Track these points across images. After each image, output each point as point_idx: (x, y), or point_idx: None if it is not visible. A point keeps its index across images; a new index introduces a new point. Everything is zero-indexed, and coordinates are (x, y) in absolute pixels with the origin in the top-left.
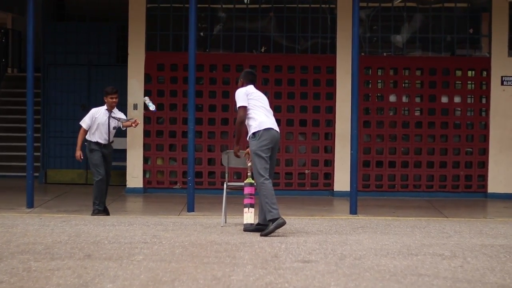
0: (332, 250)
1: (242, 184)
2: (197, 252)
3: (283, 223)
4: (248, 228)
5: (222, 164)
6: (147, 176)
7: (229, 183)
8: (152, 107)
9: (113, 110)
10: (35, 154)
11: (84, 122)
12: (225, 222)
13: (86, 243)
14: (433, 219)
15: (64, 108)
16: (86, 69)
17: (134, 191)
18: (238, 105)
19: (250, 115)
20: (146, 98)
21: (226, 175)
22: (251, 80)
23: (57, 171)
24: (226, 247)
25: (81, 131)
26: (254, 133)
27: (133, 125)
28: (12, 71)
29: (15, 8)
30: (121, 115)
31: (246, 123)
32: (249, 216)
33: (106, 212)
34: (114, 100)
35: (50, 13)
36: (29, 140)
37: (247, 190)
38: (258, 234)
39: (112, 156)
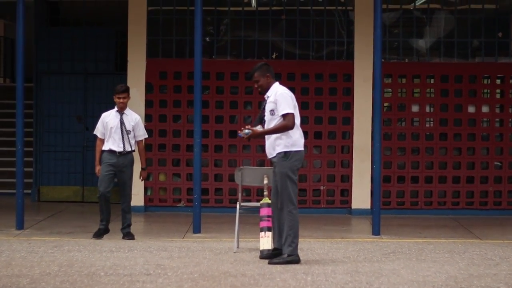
0: (367, 284)
1: (258, 204)
2: (209, 287)
3: (297, 262)
4: (266, 255)
5: (230, 181)
6: (149, 193)
7: (242, 203)
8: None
9: (125, 112)
10: (28, 169)
11: (97, 131)
12: (238, 247)
13: (79, 276)
14: (469, 241)
15: (59, 120)
16: (82, 78)
17: (134, 209)
18: (285, 111)
19: None
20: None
21: (240, 194)
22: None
23: (51, 188)
24: (242, 281)
25: (97, 142)
26: (286, 153)
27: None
28: (4, 81)
29: (7, 15)
30: (134, 117)
31: (274, 134)
32: (266, 241)
33: (129, 236)
34: (121, 100)
35: (43, 18)
36: (18, 155)
37: (263, 212)
38: None
39: (130, 170)
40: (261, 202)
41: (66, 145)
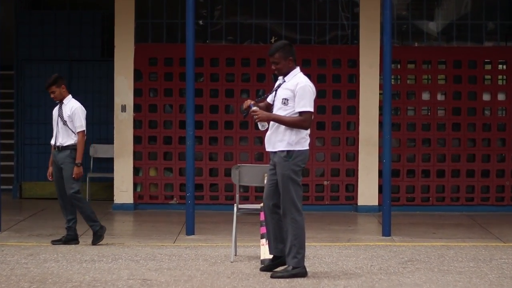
0: None
1: (258, 207)
2: None
3: (303, 275)
4: (267, 267)
5: (226, 176)
6: (138, 189)
7: (240, 206)
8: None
9: (63, 101)
10: (9, 164)
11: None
12: (235, 255)
13: None
14: (491, 245)
15: (41, 110)
16: (66, 65)
17: (123, 207)
18: (305, 108)
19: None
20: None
21: (237, 195)
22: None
23: (33, 184)
24: None
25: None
26: (288, 152)
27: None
28: None
29: None
30: (71, 106)
31: (280, 127)
32: (268, 249)
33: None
34: (52, 95)
35: (24, 1)
36: None
37: (264, 217)
38: None
39: (69, 168)
40: (262, 205)
41: (49, 138)
